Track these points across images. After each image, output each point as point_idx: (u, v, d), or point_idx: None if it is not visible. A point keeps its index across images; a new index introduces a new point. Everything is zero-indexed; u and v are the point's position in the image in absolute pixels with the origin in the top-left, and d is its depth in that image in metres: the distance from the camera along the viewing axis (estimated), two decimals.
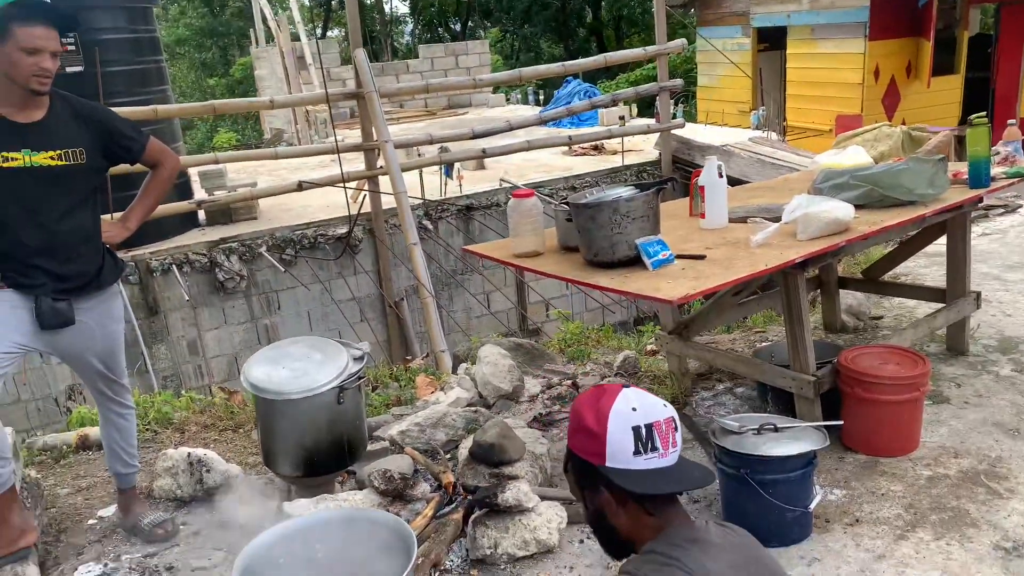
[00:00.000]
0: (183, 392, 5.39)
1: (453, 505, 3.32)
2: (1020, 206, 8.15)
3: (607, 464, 1.60)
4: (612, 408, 1.61)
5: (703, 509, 3.31)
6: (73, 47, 7.04)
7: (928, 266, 6.27)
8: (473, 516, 3.13)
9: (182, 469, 3.82)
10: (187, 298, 7.15)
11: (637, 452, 1.58)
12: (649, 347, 5.46)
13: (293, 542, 2.28)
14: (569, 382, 4.79)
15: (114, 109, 3.49)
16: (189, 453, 3.87)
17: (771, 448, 2.98)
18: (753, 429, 3.10)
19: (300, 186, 7.67)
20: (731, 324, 5.69)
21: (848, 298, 5.38)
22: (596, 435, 1.61)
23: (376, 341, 7.71)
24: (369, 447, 4.12)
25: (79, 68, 7.15)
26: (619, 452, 1.59)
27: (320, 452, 3.49)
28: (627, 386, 1.67)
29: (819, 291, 5.27)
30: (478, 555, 3.04)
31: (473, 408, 4.35)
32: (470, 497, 3.24)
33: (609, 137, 10.21)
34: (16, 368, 3.05)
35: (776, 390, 3.88)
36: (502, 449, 3.42)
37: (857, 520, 3.12)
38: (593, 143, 11.22)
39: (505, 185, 8.26)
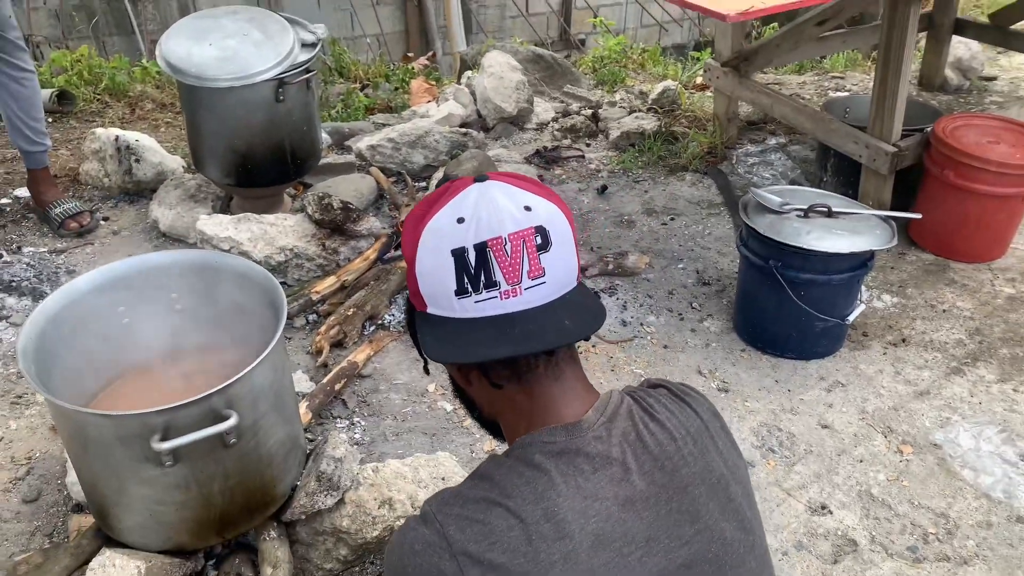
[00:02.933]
0: (147, 62, 4.61)
1: None
2: None
3: (428, 310, 0.94)
4: (430, 221, 0.92)
5: (712, 295, 2.66)
6: None
7: None
8: None
9: (109, 155, 3.20)
10: None
11: (462, 291, 0.90)
12: (699, 79, 4.49)
13: (133, 287, 1.68)
14: (590, 111, 3.93)
15: None
16: (117, 137, 3.22)
17: (817, 239, 2.23)
18: (799, 210, 2.33)
19: None
20: (805, 62, 4.63)
21: (958, 48, 4.25)
22: (409, 264, 0.96)
23: (384, 32, 6.69)
24: (333, 159, 3.44)
25: None
26: (437, 291, 0.92)
27: (255, 159, 2.80)
28: (482, 179, 0.93)
29: (925, 33, 4.13)
30: None
31: (464, 130, 3.57)
32: None
33: None
34: None
35: (840, 157, 3.03)
36: None
37: (904, 340, 2.46)
38: None
39: None
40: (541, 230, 0.90)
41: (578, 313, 0.93)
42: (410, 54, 5.87)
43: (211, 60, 2.66)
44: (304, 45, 2.82)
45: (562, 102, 4.12)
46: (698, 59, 4.92)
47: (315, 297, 2.47)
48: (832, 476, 2.00)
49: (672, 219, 3.08)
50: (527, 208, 0.91)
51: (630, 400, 0.97)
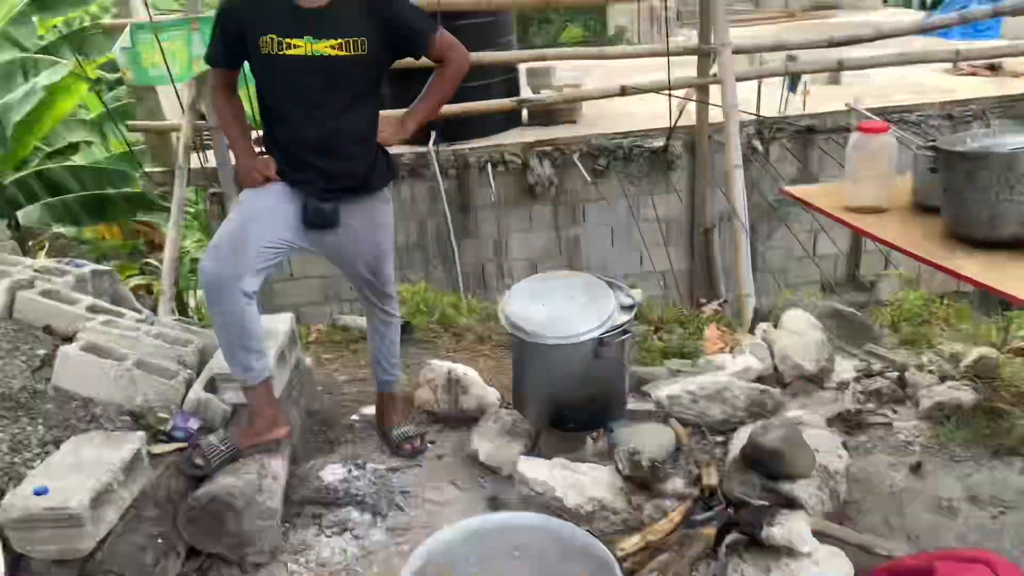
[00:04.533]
0: (469, 295, 5.33)
1: (709, 514, 2.73)
2: None
3: None
4: None
5: None
6: None
7: None
8: (728, 540, 2.53)
9: (441, 384, 3.68)
10: (493, 199, 7.13)
11: None
12: (1018, 343, 4.18)
13: (484, 543, 1.90)
14: (895, 374, 3.80)
15: None
16: (450, 370, 3.71)
17: None
18: None
19: (623, 91, 7.11)
20: None
21: None
22: None
23: (674, 270, 7.10)
24: (632, 404, 3.64)
25: None
26: None
27: (571, 407, 3.09)
28: None
29: None
30: None
31: (762, 387, 3.62)
32: (730, 513, 2.63)
33: (1014, 55, 8.09)
34: (279, 262, 3.01)
35: None
36: (783, 460, 2.73)
37: None
38: (988, 61, 9.02)
39: (856, 111, 6.91)
40: None
41: None
42: (703, 300, 6.15)
43: (543, 319, 3.05)
44: (622, 308, 3.13)
45: (863, 360, 4.03)
46: (1011, 318, 4.59)
47: (619, 553, 2.56)
48: None
49: (1002, 512, 2.81)
50: None
51: None
